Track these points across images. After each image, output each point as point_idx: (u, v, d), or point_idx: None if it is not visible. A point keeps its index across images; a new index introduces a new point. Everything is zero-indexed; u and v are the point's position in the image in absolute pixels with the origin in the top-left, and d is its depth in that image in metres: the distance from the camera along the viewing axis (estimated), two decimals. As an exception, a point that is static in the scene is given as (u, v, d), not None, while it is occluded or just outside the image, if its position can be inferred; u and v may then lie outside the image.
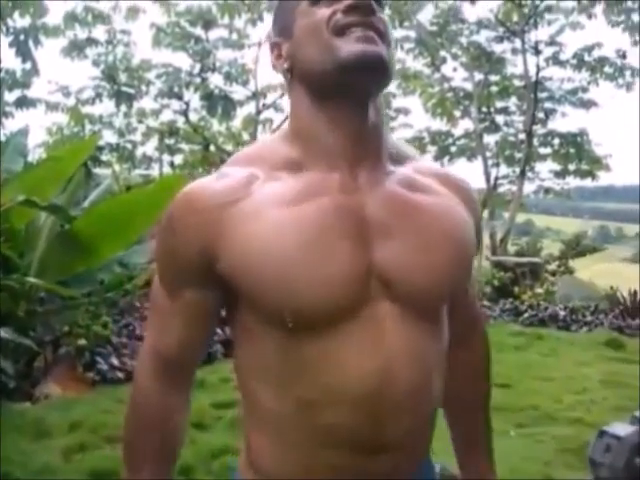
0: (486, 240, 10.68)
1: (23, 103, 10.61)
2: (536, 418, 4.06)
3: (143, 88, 11.78)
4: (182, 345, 0.98)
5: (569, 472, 3.25)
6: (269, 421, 0.94)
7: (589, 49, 11.25)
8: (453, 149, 13.05)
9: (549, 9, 11.22)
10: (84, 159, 4.81)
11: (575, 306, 7.73)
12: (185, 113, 11.95)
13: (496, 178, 12.47)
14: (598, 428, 2.86)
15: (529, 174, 12.20)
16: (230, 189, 0.91)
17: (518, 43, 11.60)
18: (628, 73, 11.23)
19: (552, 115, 12.08)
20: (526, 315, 7.38)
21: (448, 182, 1.01)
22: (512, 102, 12.66)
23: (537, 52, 11.44)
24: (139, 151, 13.15)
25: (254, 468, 0.97)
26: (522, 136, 12.06)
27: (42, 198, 3.86)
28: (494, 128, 12.65)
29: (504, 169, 12.68)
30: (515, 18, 11.52)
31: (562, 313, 7.36)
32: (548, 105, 12.04)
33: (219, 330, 4.74)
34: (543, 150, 12.37)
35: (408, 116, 12.98)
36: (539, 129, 12.13)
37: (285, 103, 11.77)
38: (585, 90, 11.79)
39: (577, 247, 13.04)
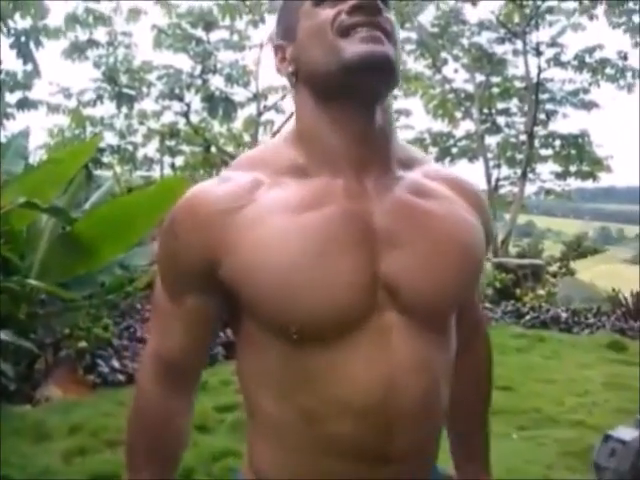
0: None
1: (24, 105, 10.62)
2: (538, 421, 4.04)
3: (144, 90, 11.80)
4: (184, 350, 0.97)
5: (571, 475, 3.23)
6: (270, 427, 0.93)
7: (590, 50, 11.26)
8: (454, 150, 13.07)
9: (550, 10, 11.24)
10: (85, 161, 4.80)
11: (577, 308, 7.71)
12: (186, 115, 11.96)
13: (497, 179, 12.49)
14: (600, 431, 2.85)
15: (530, 175, 12.23)
16: (234, 194, 0.89)
17: (519, 44, 11.63)
18: (629, 74, 11.25)
19: (553, 116, 12.11)
20: (528, 317, 7.36)
21: (457, 186, 0.99)
22: (513, 103, 12.70)
23: (538, 53, 11.44)
24: (140, 153, 13.20)
25: (255, 471, 0.97)
26: (523, 137, 12.07)
27: (43, 200, 3.85)
28: (495, 129, 12.67)
29: (505, 170, 12.74)
30: (516, 19, 11.54)
31: (564, 315, 7.34)
32: (549, 106, 12.07)
33: (220, 332, 4.73)
34: (544, 151, 12.40)
35: (409, 117, 13.03)
36: (540, 130, 12.16)
37: (286, 105, 11.80)
38: (586, 91, 11.82)
39: (578, 248, 13.05)
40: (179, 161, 13.34)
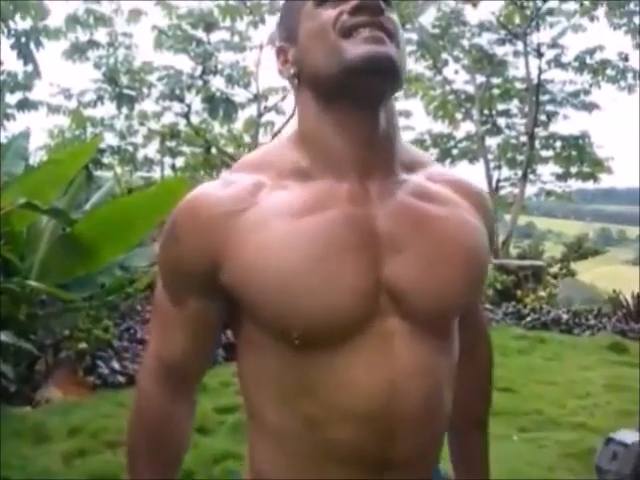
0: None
1: (24, 105, 10.61)
2: (539, 423, 4.03)
3: (145, 90, 11.78)
4: (185, 354, 0.96)
5: (572, 477, 3.23)
6: (271, 431, 0.92)
7: (591, 52, 11.26)
8: (455, 152, 13.08)
9: (551, 12, 11.23)
10: (85, 162, 4.80)
11: (578, 310, 7.70)
12: (186, 115, 11.95)
13: (498, 181, 12.49)
14: (601, 433, 2.85)
15: (531, 177, 12.22)
16: (236, 197, 0.88)
17: (520, 46, 11.63)
18: (630, 75, 11.25)
19: (554, 118, 12.11)
20: (529, 319, 7.35)
21: (461, 189, 0.98)
22: (514, 105, 12.70)
23: (539, 55, 11.44)
24: (140, 154, 13.18)
25: (256, 474, 0.96)
26: (524, 139, 12.07)
27: (43, 201, 3.85)
28: (496, 131, 12.67)
29: (506, 172, 12.74)
30: (517, 21, 11.54)
31: (565, 316, 7.33)
32: (550, 108, 12.07)
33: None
34: (545, 153, 12.40)
35: (409, 119, 12.99)
36: (541, 132, 12.15)
37: (287, 106, 11.78)
38: (587, 93, 11.81)
39: (579, 250, 13.02)
40: (179, 162, 13.34)
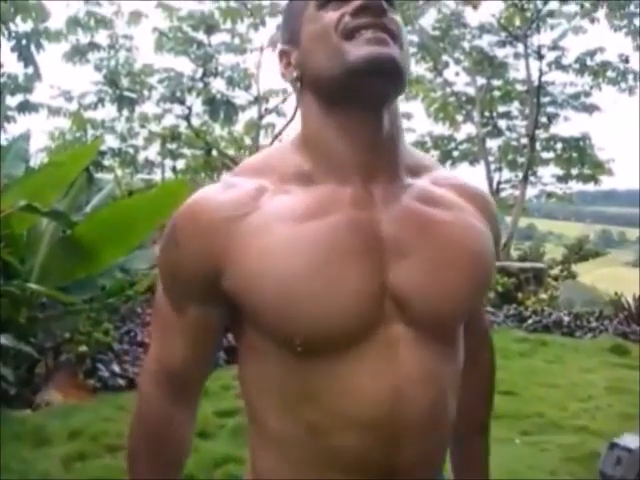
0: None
1: (25, 108, 10.62)
2: (541, 426, 4.02)
3: (145, 93, 11.77)
4: (186, 362, 0.95)
5: (574, 481, 3.22)
6: (272, 437, 0.91)
7: (591, 53, 11.26)
8: (455, 154, 13.08)
9: (551, 14, 11.24)
10: (86, 164, 4.79)
11: (579, 312, 7.69)
12: (187, 118, 11.94)
13: (498, 182, 12.49)
14: (604, 436, 2.83)
15: (531, 178, 12.22)
16: (238, 202, 0.87)
17: (520, 48, 11.63)
18: (630, 77, 11.25)
19: (554, 119, 12.11)
20: (530, 321, 7.34)
21: (465, 193, 0.97)
22: (514, 107, 12.71)
23: (539, 56, 11.45)
24: (141, 156, 13.17)
25: (258, 478, 0.95)
26: (524, 140, 12.07)
27: (43, 203, 3.84)
28: (496, 133, 12.68)
29: (506, 173, 12.74)
30: (517, 23, 11.54)
31: (566, 319, 7.32)
32: (550, 109, 12.07)
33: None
34: (545, 154, 12.40)
35: (410, 121, 13.00)
36: (541, 133, 12.15)
37: (288, 108, 11.78)
38: (587, 94, 11.81)
39: (580, 251, 13.03)
40: (180, 164, 13.33)
